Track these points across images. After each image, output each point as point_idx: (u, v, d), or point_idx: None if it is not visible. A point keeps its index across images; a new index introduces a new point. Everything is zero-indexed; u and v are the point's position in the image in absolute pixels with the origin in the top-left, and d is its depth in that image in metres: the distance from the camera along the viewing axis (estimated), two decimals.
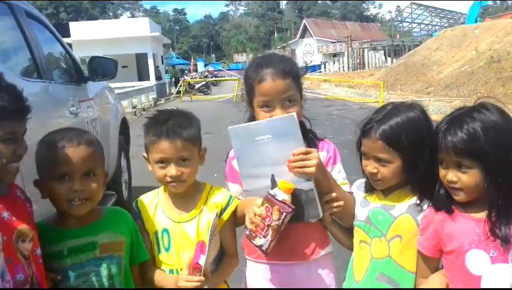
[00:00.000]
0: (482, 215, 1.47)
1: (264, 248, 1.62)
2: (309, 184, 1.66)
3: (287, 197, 1.61)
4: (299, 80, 1.80)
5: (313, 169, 1.62)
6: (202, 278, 1.60)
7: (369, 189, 1.76)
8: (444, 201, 1.53)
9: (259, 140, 1.67)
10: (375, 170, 1.65)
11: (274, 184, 1.68)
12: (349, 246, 1.83)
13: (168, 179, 1.70)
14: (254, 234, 1.63)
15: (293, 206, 1.59)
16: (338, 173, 1.83)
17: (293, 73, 1.77)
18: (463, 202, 1.50)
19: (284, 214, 1.58)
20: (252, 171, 1.73)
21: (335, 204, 1.70)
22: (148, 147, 1.73)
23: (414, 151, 1.58)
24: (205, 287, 1.62)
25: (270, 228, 1.60)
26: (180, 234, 1.75)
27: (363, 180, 1.80)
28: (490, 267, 1.43)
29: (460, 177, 1.44)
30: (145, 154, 1.78)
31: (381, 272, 1.68)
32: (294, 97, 1.75)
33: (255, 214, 1.61)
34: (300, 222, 1.71)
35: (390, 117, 1.63)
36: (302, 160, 1.63)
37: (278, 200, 1.59)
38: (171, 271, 1.76)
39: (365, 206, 1.75)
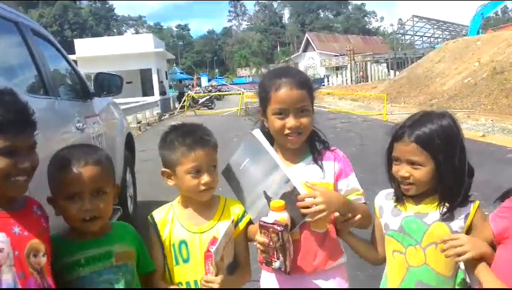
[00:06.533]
0: None
1: (282, 269, 1.68)
2: (289, 185, 1.68)
3: (283, 216, 1.64)
4: (312, 93, 1.87)
5: (324, 213, 1.64)
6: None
7: (400, 198, 1.77)
8: None
9: (243, 167, 1.79)
10: (407, 174, 1.67)
11: (268, 199, 1.74)
12: (371, 259, 1.86)
13: (202, 188, 1.74)
14: (269, 260, 1.69)
15: (283, 223, 1.63)
16: (351, 184, 1.84)
17: (308, 85, 1.84)
18: None
19: (280, 233, 1.61)
20: (250, 197, 1.81)
21: (356, 218, 1.74)
22: (180, 158, 1.74)
23: (445, 157, 1.63)
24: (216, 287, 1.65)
25: (276, 250, 1.65)
26: (199, 245, 1.78)
27: (389, 190, 1.83)
28: None
29: None
30: (166, 169, 1.80)
31: (419, 280, 1.70)
32: (308, 108, 1.81)
33: (259, 244, 1.67)
34: (298, 225, 1.73)
35: (423, 122, 1.68)
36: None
37: (269, 223, 1.63)
38: (187, 283, 1.78)
39: (397, 215, 1.76)
